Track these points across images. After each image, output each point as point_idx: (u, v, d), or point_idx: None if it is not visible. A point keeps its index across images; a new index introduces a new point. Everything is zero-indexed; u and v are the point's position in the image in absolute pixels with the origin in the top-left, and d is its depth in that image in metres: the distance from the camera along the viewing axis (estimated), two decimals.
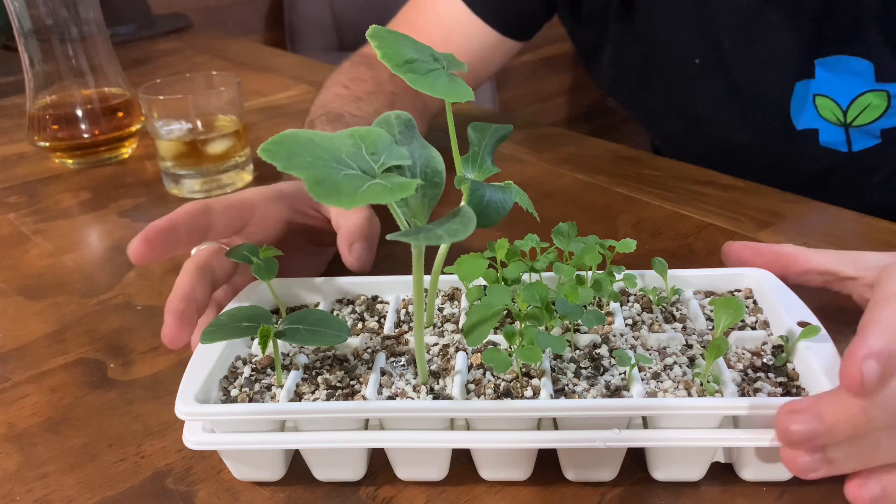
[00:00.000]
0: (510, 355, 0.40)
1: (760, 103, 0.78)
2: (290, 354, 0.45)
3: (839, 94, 0.74)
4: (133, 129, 0.93)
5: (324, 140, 0.35)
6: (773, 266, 0.49)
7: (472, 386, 0.41)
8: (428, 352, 0.44)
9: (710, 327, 0.45)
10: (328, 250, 0.62)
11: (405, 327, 0.47)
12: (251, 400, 0.42)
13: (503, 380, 0.41)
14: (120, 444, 0.47)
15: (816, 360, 0.40)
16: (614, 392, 0.40)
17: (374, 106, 0.76)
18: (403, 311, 0.49)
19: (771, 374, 0.41)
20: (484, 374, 0.42)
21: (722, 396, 0.39)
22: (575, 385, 0.41)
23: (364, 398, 0.41)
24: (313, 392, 0.42)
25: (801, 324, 0.43)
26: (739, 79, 0.77)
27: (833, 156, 0.78)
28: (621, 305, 0.48)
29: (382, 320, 0.48)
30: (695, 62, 0.79)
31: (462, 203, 0.39)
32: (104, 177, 0.89)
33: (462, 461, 0.43)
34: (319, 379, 0.43)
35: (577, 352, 0.44)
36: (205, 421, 0.41)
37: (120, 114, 0.92)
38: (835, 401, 0.35)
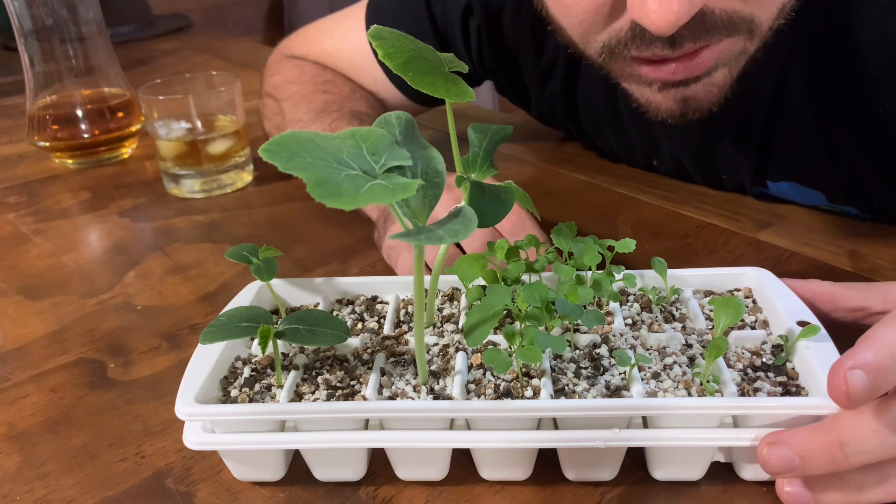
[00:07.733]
0: (510, 355, 0.40)
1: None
2: (290, 354, 0.45)
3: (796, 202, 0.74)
4: (133, 129, 0.94)
5: (324, 140, 0.35)
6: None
7: (472, 386, 0.41)
8: (428, 352, 0.44)
9: (710, 327, 0.46)
10: None
11: (405, 327, 0.47)
12: (251, 400, 0.42)
13: (503, 380, 0.41)
14: (120, 444, 0.47)
15: (816, 360, 0.40)
16: (614, 392, 0.40)
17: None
18: (403, 312, 0.49)
19: (770, 374, 0.41)
20: (484, 374, 0.42)
21: (722, 396, 0.39)
22: (575, 385, 0.41)
23: (364, 398, 0.41)
24: (313, 392, 0.42)
25: (801, 323, 0.43)
26: (700, 180, 0.77)
27: None
28: (621, 305, 0.48)
29: (382, 320, 0.48)
30: (652, 164, 0.80)
31: (462, 203, 0.39)
32: (104, 177, 0.89)
33: (462, 461, 0.43)
34: (319, 379, 0.43)
35: (577, 352, 0.44)
36: (205, 421, 0.41)
37: (120, 114, 0.92)
38: (811, 434, 0.36)
